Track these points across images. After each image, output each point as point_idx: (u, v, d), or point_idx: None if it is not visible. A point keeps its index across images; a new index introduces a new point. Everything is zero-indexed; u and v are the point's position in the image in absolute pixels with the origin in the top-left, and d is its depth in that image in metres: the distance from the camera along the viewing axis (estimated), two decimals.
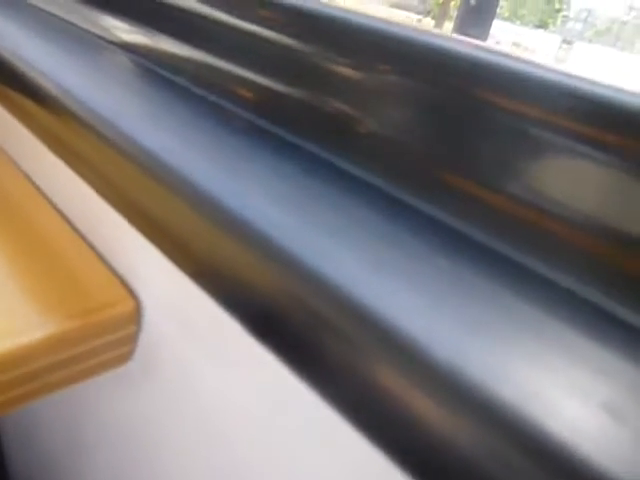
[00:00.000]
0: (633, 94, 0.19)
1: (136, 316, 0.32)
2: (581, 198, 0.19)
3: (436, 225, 0.22)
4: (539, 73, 0.20)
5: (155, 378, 0.34)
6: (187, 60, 0.37)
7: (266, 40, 0.31)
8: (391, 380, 0.16)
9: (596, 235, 0.19)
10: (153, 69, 0.39)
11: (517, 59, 0.21)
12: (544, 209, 0.20)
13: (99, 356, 0.32)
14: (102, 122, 0.30)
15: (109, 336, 0.31)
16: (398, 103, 0.25)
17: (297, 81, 0.29)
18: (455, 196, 0.23)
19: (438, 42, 0.23)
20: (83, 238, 0.38)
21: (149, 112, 0.31)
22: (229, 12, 0.33)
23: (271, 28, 0.31)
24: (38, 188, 0.45)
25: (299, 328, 0.19)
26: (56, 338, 0.29)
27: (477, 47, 0.22)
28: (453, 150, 0.23)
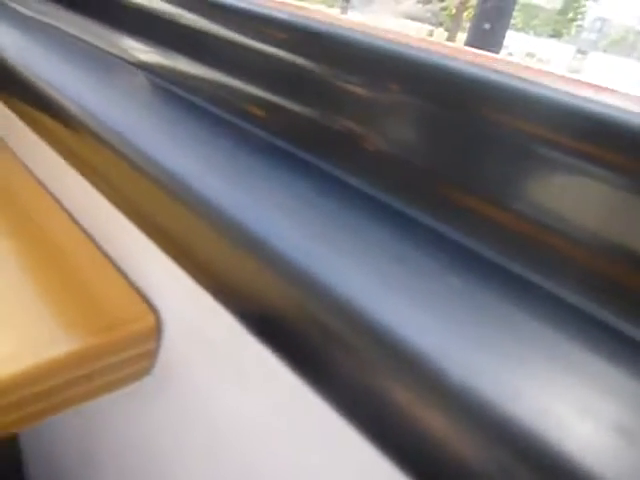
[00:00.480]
0: (639, 114, 0.19)
1: (156, 332, 0.33)
2: (589, 216, 0.19)
3: (445, 242, 0.23)
4: (545, 92, 0.21)
5: (172, 393, 0.35)
6: (202, 79, 0.38)
7: (279, 60, 0.32)
8: (403, 396, 0.16)
9: (604, 253, 0.19)
10: (169, 88, 0.41)
11: (524, 79, 0.22)
12: (553, 227, 0.20)
13: (119, 371, 0.32)
14: (121, 140, 0.31)
15: (129, 351, 0.32)
16: (406, 121, 0.26)
17: (308, 100, 0.30)
18: (463, 213, 0.23)
19: (446, 61, 0.24)
20: (104, 253, 0.39)
21: (166, 131, 0.32)
22: (243, 33, 0.34)
23: (283, 48, 0.32)
24: (60, 203, 0.46)
25: (313, 344, 0.20)
26: (79, 354, 0.30)
27: (485, 66, 0.23)
28: (461, 167, 0.23)
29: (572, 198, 0.20)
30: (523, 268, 0.21)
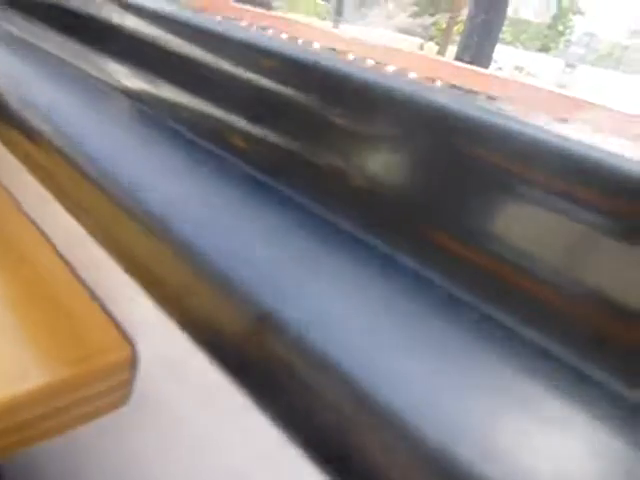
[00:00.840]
0: (620, 157, 0.19)
1: (131, 362, 0.33)
2: (574, 264, 0.19)
3: (426, 284, 0.23)
4: (530, 132, 0.20)
5: (148, 422, 0.34)
6: (186, 108, 0.38)
7: (265, 90, 0.32)
8: (379, 453, 0.16)
9: (588, 303, 0.19)
10: (153, 115, 0.40)
11: (508, 117, 0.22)
12: (538, 275, 0.20)
13: (95, 402, 0.32)
14: (99, 170, 0.31)
15: (105, 382, 0.31)
16: (391, 159, 0.25)
17: (292, 132, 0.30)
18: (445, 255, 0.23)
19: (430, 98, 0.24)
20: (82, 284, 0.39)
21: (147, 160, 0.32)
22: (230, 61, 0.34)
23: (270, 78, 0.32)
24: (42, 233, 0.45)
25: (285, 388, 0.19)
26: (53, 385, 0.29)
27: (473, 104, 0.23)
28: (444, 208, 0.23)
29: (555, 244, 0.20)
30: (506, 315, 0.21)
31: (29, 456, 0.56)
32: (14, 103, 0.41)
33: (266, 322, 0.19)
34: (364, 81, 0.27)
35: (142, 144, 0.35)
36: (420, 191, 0.24)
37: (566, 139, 0.19)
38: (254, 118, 0.33)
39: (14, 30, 0.60)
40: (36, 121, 0.38)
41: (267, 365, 0.20)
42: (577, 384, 0.18)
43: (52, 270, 0.39)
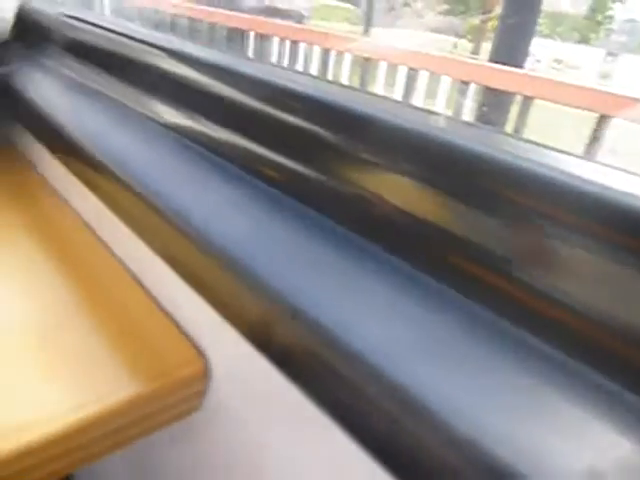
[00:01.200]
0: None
1: (204, 374, 0.37)
2: (595, 294, 0.21)
3: (457, 308, 0.25)
4: (563, 179, 0.22)
5: (220, 427, 0.38)
6: (225, 142, 0.42)
7: (295, 128, 0.35)
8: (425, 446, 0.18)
9: (625, 336, 0.20)
10: (196, 149, 0.44)
11: (527, 159, 0.23)
12: (557, 299, 0.22)
13: (171, 410, 0.36)
14: (160, 202, 0.34)
15: (182, 392, 0.35)
16: (413, 189, 0.28)
17: (322, 166, 0.33)
18: (468, 279, 0.25)
19: (450, 137, 0.26)
20: (157, 304, 0.43)
21: (197, 191, 0.35)
22: (264, 101, 0.38)
23: (299, 117, 0.35)
24: (119, 260, 0.50)
25: (342, 396, 0.22)
26: (139, 398, 0.34)
27: (491, 144, 0.25)
28: (467, 237, 0.25)
29: (580, 276, 0.21)
30: (530, 335, 0.22)
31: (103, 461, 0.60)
32: (80, 141, 0.46)
33: (323, 339, 0.22)
34: (385, 121, 0.29)
35: (190, 175, 0.38)
36: (443, 221, 0.26)
37: (590, 182, 0.21)
38: (287, 152, 0.36)
39: (72, 74, 0.66)
40: (100, 156, 0.42)
41: (326, 379, 0.22)
42: (592, 395, 0.20)
43: (129, 293, 0.43)
